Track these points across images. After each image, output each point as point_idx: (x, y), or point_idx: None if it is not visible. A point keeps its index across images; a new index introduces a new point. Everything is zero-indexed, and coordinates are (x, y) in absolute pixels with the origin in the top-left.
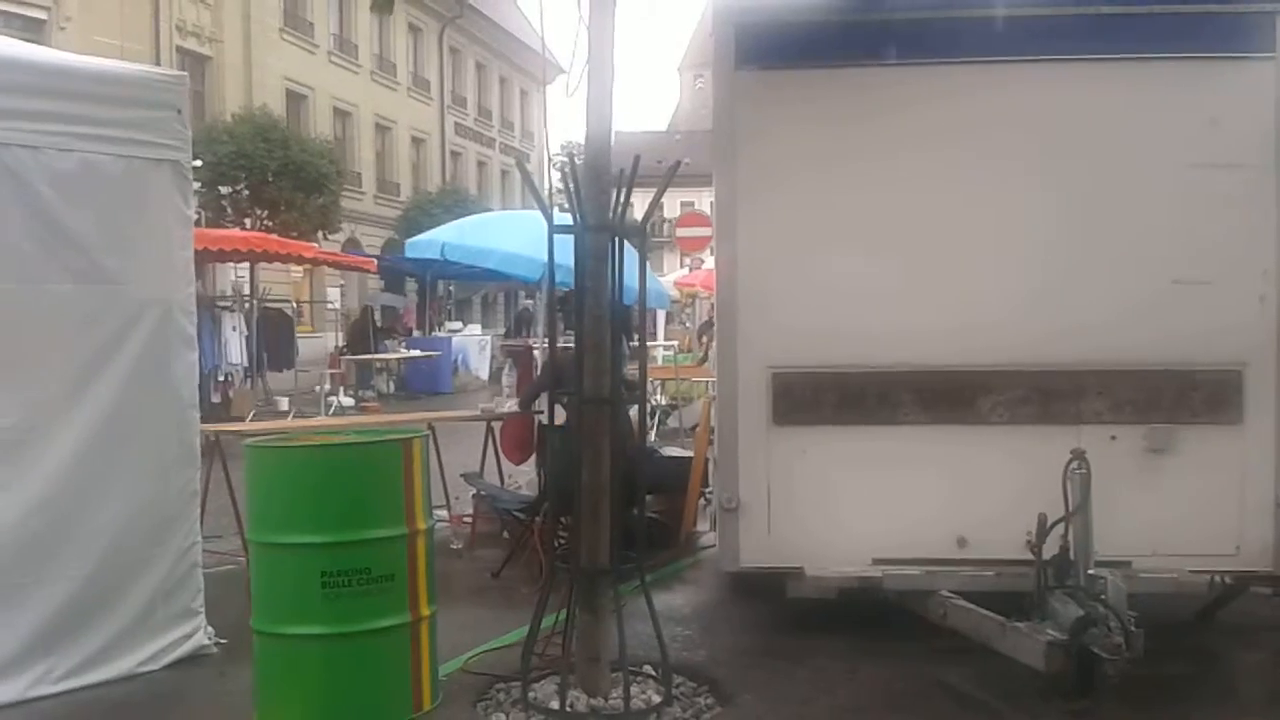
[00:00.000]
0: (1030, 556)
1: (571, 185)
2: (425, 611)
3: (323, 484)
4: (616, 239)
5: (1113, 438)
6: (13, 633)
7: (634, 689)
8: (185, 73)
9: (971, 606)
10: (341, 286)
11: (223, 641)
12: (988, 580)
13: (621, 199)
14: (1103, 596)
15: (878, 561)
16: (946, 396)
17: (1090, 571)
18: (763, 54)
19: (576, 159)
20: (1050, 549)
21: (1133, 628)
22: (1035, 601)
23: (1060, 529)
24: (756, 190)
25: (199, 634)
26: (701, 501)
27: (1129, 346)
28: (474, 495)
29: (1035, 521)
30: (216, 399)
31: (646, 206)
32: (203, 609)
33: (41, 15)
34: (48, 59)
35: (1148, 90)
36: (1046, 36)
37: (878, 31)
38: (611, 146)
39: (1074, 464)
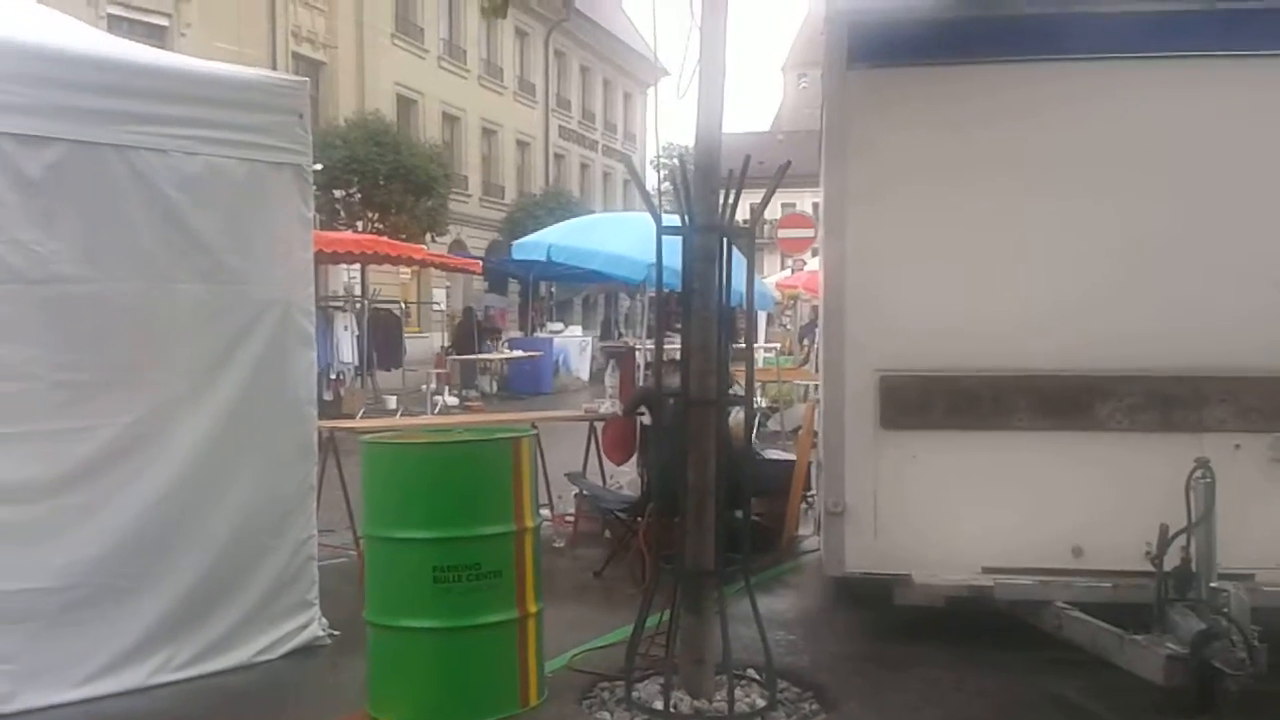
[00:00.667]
0: (1150, 568)
1: (680, 186)
2: (532, 608)
3: (436, 480)
4: (724, 240)
5: (1237, 446)
6: (138, 621)
7: (738, 692)
8: (306, 78)
9: (1088, 618)
10: (447, 288)
11: (335, 633)
12: (1104, 592)
13: (730, 200)
14: (1225, 610)
15: (988, 570)
16: (1063, 401)
17: (1213, 584)
18: (876, 52)
19: (681, 160)
20: (1171, 560)
21: (1256, 642)
22: (1155, 614)
23: (1182, 540)
24: (868, 190)
25: (313, 625)
26: (803, 505)
27: (1255, 352)
28: (576, 495)
29: (1155, 532)
30: (328, 396)
31: (754, 208)
32: (317, 601)
33: (163, 22)
34: (174, 64)
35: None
36: (1177, 32)
37: (996, 28)
38: (721, 147)
39: (1198, 473)
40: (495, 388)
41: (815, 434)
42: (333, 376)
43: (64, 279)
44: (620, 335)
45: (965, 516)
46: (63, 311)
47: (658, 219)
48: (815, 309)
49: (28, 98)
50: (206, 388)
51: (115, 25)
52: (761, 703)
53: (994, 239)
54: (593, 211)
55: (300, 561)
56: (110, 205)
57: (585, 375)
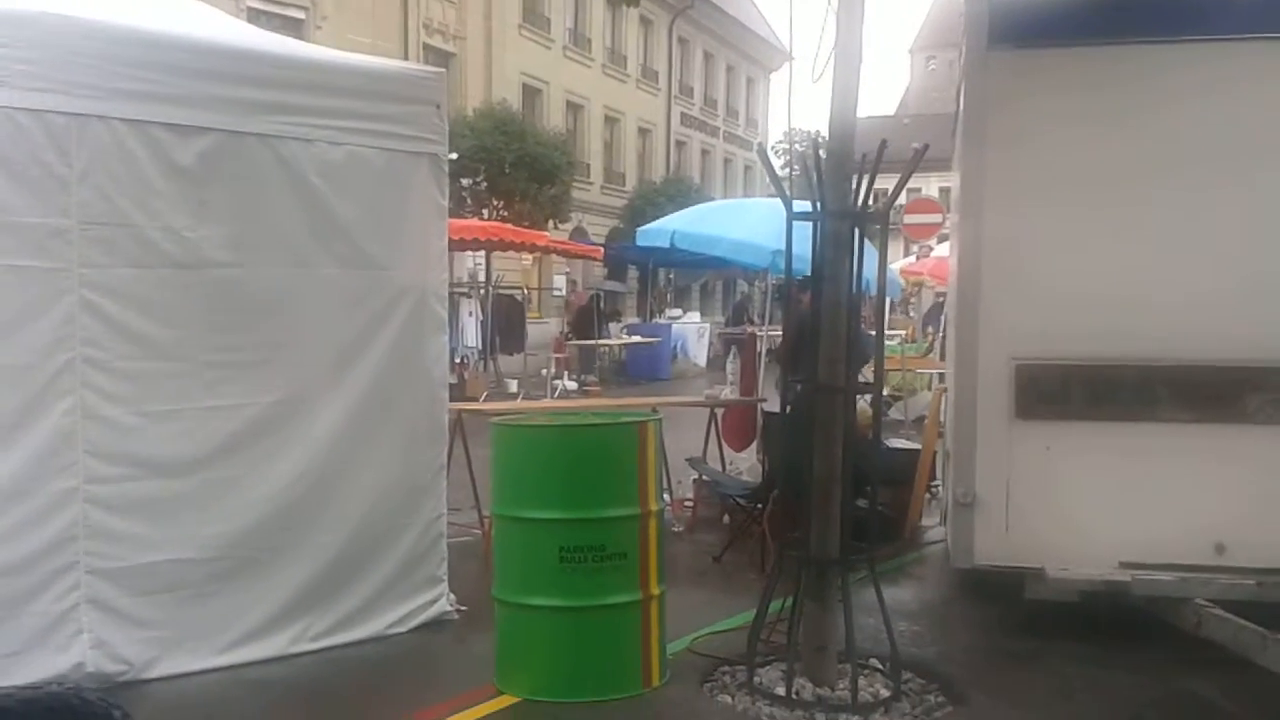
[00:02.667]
0: None
1: (812, 170)
2: (655, 590)
3: (564, 463)
4: (856, 226)
5: None
6: (279, 592)
7: (861, 681)
8: (443, 70)
9: (1229, 616)
10: (567, 274)
11: (463, 609)
12: (1248, 589)
13: (865, 185)
14: None
15: (1125, 565)
16: (1208, 393)
17: None
18: (1018, 32)
19: (803, 147)
20: None
21: None
22: None
23: None
24: (1006, 174)
25: (442, 600)
26: (927, 496)
27: None
28: (695, 480)
29: None
30: (453, 380)
31: (888, 193)
32: (446, 577)
33: (300, 15)
34: (319, 56)
35: None
36: None
37: (1148, 6)
38: (855, 132)
39: None
40: (613, 373)
41: (941, 423)
42: (457, 360)
43: (213, 264)
44: (749, 321)
45: (1102, 510)
46: (212, 295)
47: (788, 204)
48: (939, 296)
49: (180, 89)
50: (345, 369)
51: (254, 18)
52: (886, 693)
53: (1139, 225)
54: (713, 198)
55: (431, 538)
56: (257, 193)
57: (703, 361)
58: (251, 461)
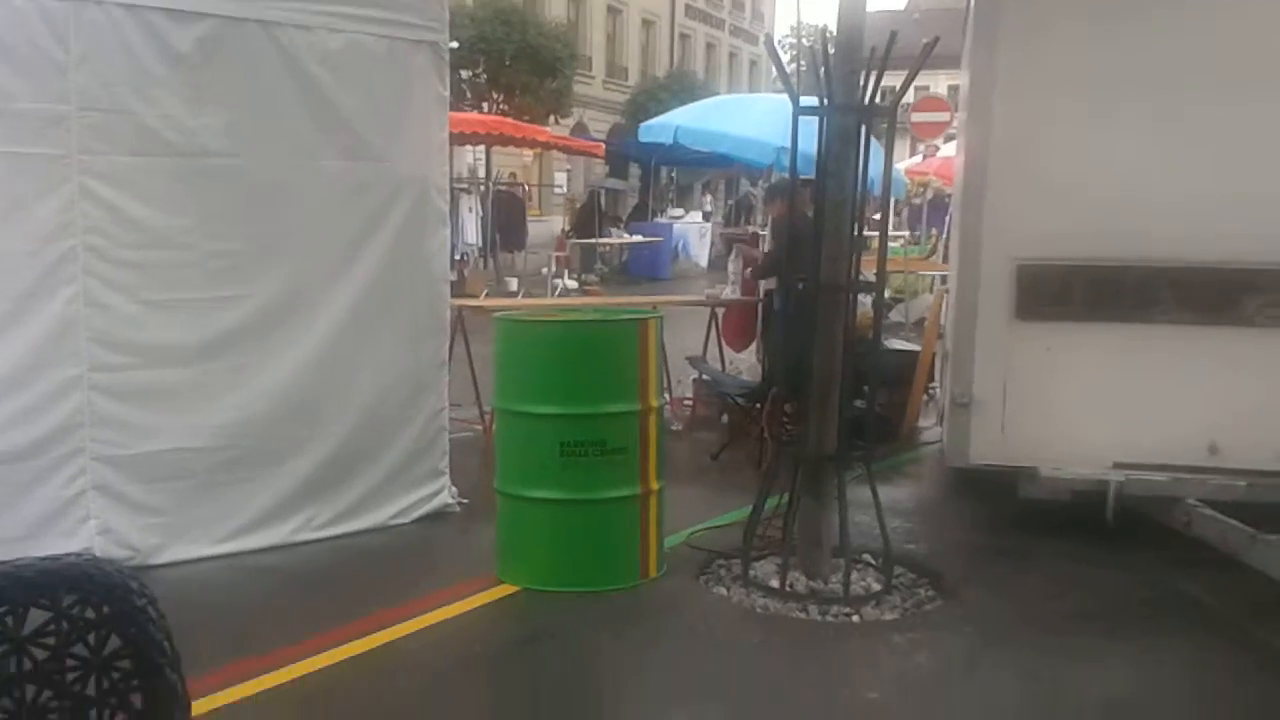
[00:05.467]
0: None
1: (821, 64)
2: (654, 485)
3: (567, 358)
4: (863, 122)
5: None
6: (282, 482)
7: (854, 575)
8: None
9: (1219, 516)
10: (568, 171)
11: (464, 501)
12: (1238, 490)
13: (873, 80)
14: None
15: (1119, 465)
16: (1209, 295)
17: None
18: None
19: (810, 41)
20: None
21: None
22: None
23: None
24: (1015, 72)
25: (444, 493)
26: (925, 397)
27: None
28: (695, 380)
29: None
30: (453, 277)
31: (885, 92)
32: (448, 470)
33: None
34: None
35: None
36: None
37: None
38: (864, 25)
39: None
40: (613, 273)
41: (942, 325)
42: (457, 257)
43: (212, 153)
44: (745, 221)
45: (1098, 411)
46: (212, 184)
47: (795, 98)
48: (916, 200)
49: None
50: (348, 262)
51: None
52: (877, 586)
53: (1145, 128)
54: (717, 94)
55: (433, 432)
56: (256, 81)
57: (704, 262)
58: (255, 353)
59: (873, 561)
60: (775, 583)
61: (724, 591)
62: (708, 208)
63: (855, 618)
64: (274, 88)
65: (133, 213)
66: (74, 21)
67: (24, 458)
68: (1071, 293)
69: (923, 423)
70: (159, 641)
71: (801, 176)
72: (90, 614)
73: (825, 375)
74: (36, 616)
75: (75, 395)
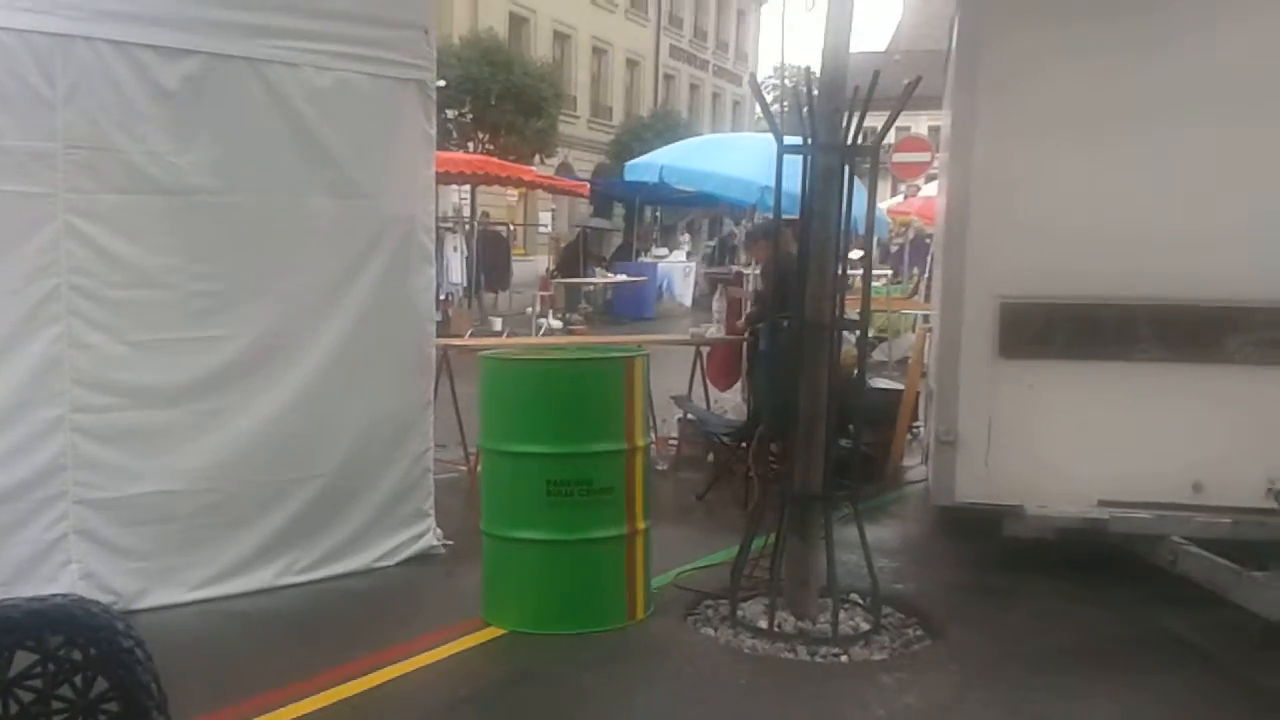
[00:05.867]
0: (1273, 505)
1: (805, 103)
2: (641, 525)
3: (552, 397)
4: (847, 160)
5: None
6: (266, 525)
7: (842, 615)
8: None
9: (1205, 553)
10: (553, 210)
11: (449, 543)
12: (1224, 528)
13: (856, 119)
14: None
15: (1104, 503)
16: (1190, 333)
17: None
18: None
19: (793, 81)
20: None
21: None
22: (1276, 552)
23: None
24: (996, 111)
25: (429, 535)
26: (909, 436)
27: None
28: (680, 419)
29: None
30: (438, 316)
31: (879, 128)
32: (433, 511)
33: None
34: None
35: None
36: None
37: None
38: (848, 65)
39: None
40: (598, 312)
41: (924, 364)
42: (441, 297)
43: (199, 190)
44: (730, 261)
45: (1082, 448)
46: (198, 222)
47: (779, 137)
48: (917, 233)
49: (164, 10)
50: (334, 301)
51: None
52: (866, 626)
53: (1127, 167)
54: (701, 134)
55: (418, 473)
56: (243, 118)
57: (688, 301)
58: (239, 394)
59: (860, 601)
60: (763, 623)
61: (712, 632)
62: (686, 247)
63: (844, 658)
64: (261, 125)
65: (118, 251)
66: (61, 58)
67: (5, 500)
68: (1054, 331)
69: (907, 461)
70: (146, 684)
71: (785, 216)
72: (77, 655)
73: (810, 414)
74: (22, 659)
75: (58, 437)
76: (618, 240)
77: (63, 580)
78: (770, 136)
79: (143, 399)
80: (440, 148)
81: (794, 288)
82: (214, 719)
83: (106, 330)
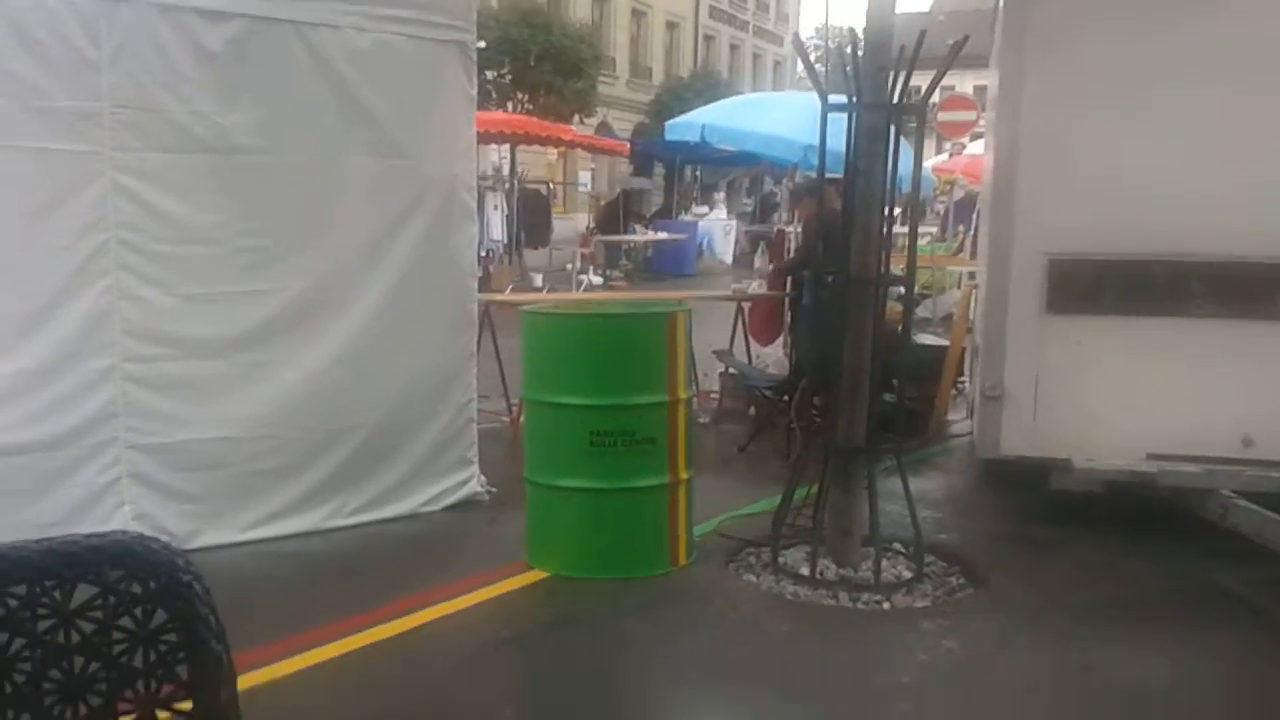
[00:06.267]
0: None
1: (850, 62)
2: (683, 475)
3: (596, 350)
4: (892, 119)
5: None
6: (315, 471)
7: (884, 563)
8: None
9: (1254, 507)
10: (592, 170)
11: (493, 490)
12: (1273, 482)
13: (902, 77)
14: None
15: (1152, 457)
16: (1242, 289)
17: None
18: None
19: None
20: None
21: None
22: None
23: None
24: (1044, 69)
25: (473, 482)
26: (953, 392)
27: None
28: (721, 373)
29: None
30: (479, 273)
31: (925, 87)
32: (476, 459)
33: None
34: None
35: None
36: None
37: None
38: (893, 23)
39: None
40: (638, 269)
41: (969, 320)
42: (482, 254)
43: (243, 149)
44: (772, 219)
45: (1130, 403)
46: (243, 180)
47: (823, 94)
48: (968, 193)
49: None
50: (378, 257)
51: None
52: (908, 574)
53: (1178, 120)
54: (741, 94)
55: (462, 422)
56: (285, 79)
57: (729, 259)
58: (286, 345)
59: (903, 550)
60: (805, 570)
61: (753, 578)
62: (721, 207)
63: (886, 604)
64: (304, 86)
65: (165, 208)
66: (106, 20)
67: (58, 446)
68: (1103, 287)
69: (951, 416)
70: (204, 616)
71: (829, 175)
72: (137, 589)
73: (855, 368)
74: (84, 591)
75: (109, 385)
76: (658, 200)
77: (116, 520)
78: (812, 96)
79: (192, 350)
80: (480, 109)
81: (839, 243)
82: (266, 651)
83: (155, 284)
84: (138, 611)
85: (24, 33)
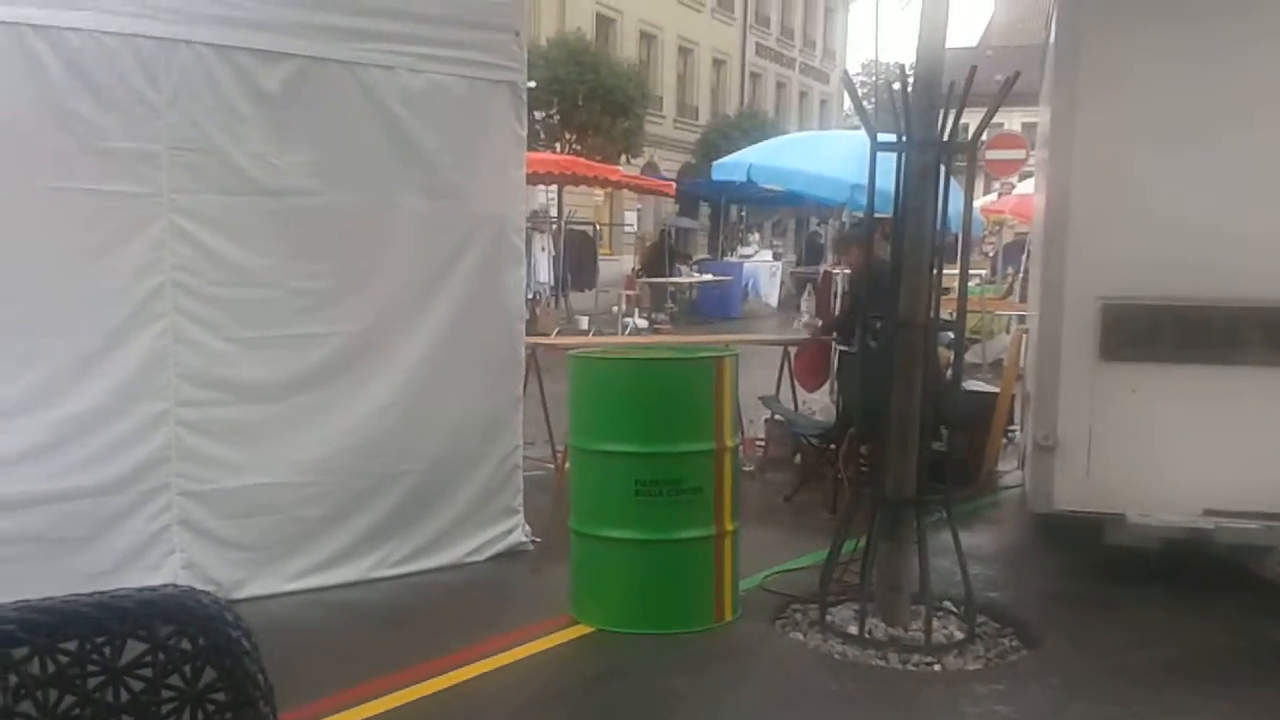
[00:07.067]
0: None
1: (900, 101)
2: (729, 525)
3: (642, 396)
4: (942, 159)
5: None
6: (362, 518)
7: (935, 623)
8: None
9: None
10: (638, 210)
11: (537, 540)
12: None
13: (952, 116)
14: None
15: (1209, 512)
16: None
17: None
18: None
19: (885, 79)
20: None
21: None
22: None
23: None
24: (1098, 109)
25: (517, 531)
26: (1004, 440)
27: None
28: (767, 420)
29: None
30: (526, 315)
31: (972, 127)
32: (521, 508)
33: None
34: None
35: None
36: None
37: None
38: (943, 61)
39: None
40: (683, 312)
41: (1020, 366)
42: (529, 296)
43: (298, 191)
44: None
45: (1187, 455)
46: (298, 222)
47: (873, 134)
48: (1018, 235)
49: (264, 14)
50: (428, 300)
51: None
52: (960, 635)
53: (1236, 164)
54: (788, 133)
55: (508, 469)
56: (340, 120)
57: (774, 301)
58: (337, 389)
59: (954, 609)
60: (854, 629)
61: (800, 637)
62: (755, 246)
63: (937, 667)
64: (357, 127)
65: (221, 250)
66: (165, 62)
67: (111, 491)
68: (1159, 333)
69: (1002, 466)
70: (253, 674)
71: (877, 214)
72: (186, 645)
73: (904, 416)
74: (134, 647)
75: (163, 430)
76: (703, 239)
77: (166, 569)
78: (859, 134)
79: (243, 394)
80: (529, 149)
81: (886, 291)
82: (315, 706)
83: (210, 327)
84: (187, 669)
85: (84, 73)
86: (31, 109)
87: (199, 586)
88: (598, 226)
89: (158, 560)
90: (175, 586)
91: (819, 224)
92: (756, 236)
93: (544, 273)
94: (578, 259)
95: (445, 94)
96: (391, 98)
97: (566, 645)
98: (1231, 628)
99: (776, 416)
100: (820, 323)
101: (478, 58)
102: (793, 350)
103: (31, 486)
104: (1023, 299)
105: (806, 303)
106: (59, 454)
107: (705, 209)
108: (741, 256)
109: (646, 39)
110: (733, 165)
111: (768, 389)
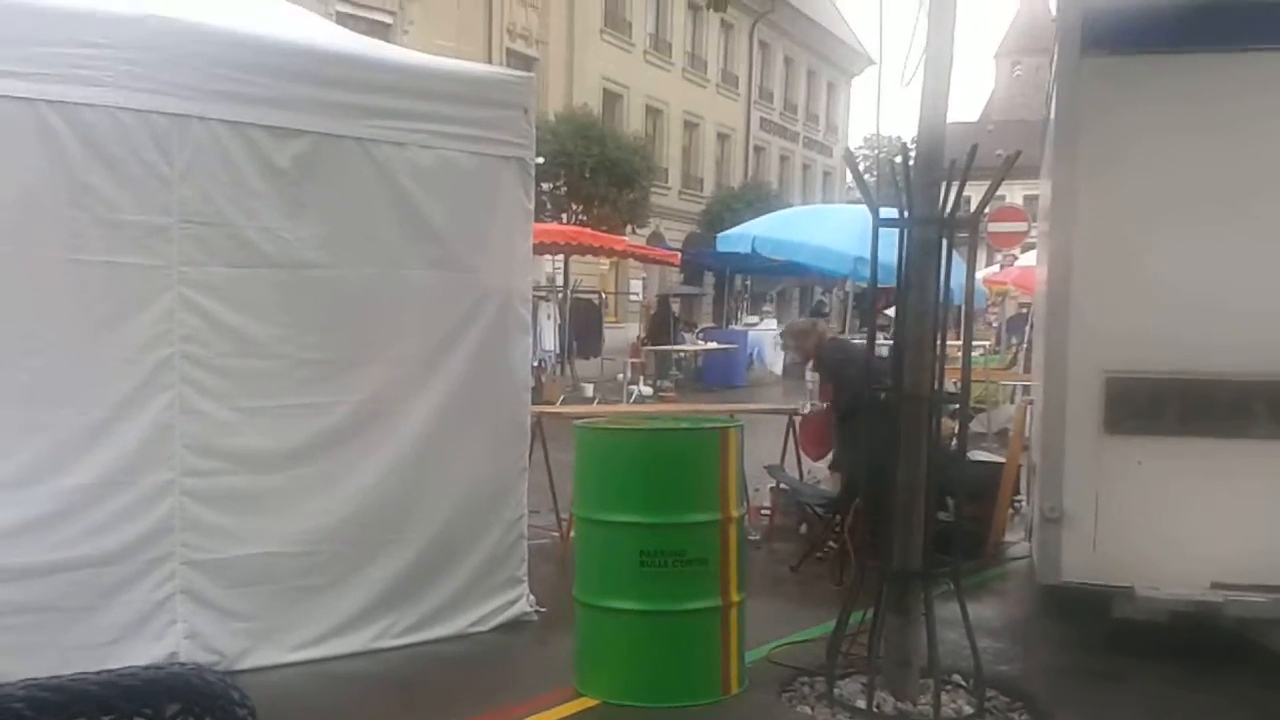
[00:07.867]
0: None
1: (901, 176)
2: (735, 597)
3: (647, 467)
4: (944, 233)
5: None
6: (366, 588)
7: (944, 697)
8: (533, 74)
9: None
10: (644, 279)
11: (542, 610)
12: None
13: (954, 192)
14: None
15: (1217, 585)
16: None
17: None
18: (1114, 38)
19: (886, 153)
20: None
21: None
22: None
23: None
24: (1099, 184)
25: (522, 601)
26: (1011, 510)
27: None
28: (772, 489)
29: None
30: (531, 383)
31: (974, 201)
32: (526, 578)
33: (387, 20)
34: (412, 61)
35: None
36: None
37: (1254, 12)
38: (944, 137)
39: None
40: (688, 380)
41: (1026, 437)
42: (534, 364)
43: (308, 264)
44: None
45: (1194, 528)
46: (306, 295)
47: (875, 210)
48: (1021, 306)
49: (277, 91)
50: (434, 369)
51: (343, 21)
52: (969, 709)
53: (1240, 235)
54: (791, 205)
55: (512, 539)
56: (351, 195)
57: (779, 369)
58: (342, 459)
59: (963, 683)
60: (861, 703)
61: (808, 711)
62: (752, 317)
63: None
64: (368, 201)
65: (229, 322)
66: (179, 137)
67: (114, 561)
68: (1164, 406)
69: (1009, 537)
70: None
71: (881, 285)
72: None
73: (909, 487)
74: None
75: (168, 500)
76: (708, 307)
77: (168, 639)
78: (863, 208)
79: (249, 463)
80: (535, 219)
81: (850, 377)
82: None
83: (216, 397)
84: None
85: (98, 147)
86: (46, 182)
87: (202, 656)
88: (603, 295)
89: (160, 630)
90: (181, 664)
91: (823, 293)
92: (768, 307)
93: (549, 340)
94: (583, 327)
95: (455, 169)
96: (402, 173)
97: (571, 719)
98: (1240, 701)
99: (782, 485)
100: (825, 405)
101: (487, 134)
102: (798, 419)
103: (36, 556)
104: (1027, 369)
105: (811, 373)
106: (63, 524)
107: (710, 277)
108: (746, 325)
109: (653, 113)
110: (738, 237)
111: (773, 457)
